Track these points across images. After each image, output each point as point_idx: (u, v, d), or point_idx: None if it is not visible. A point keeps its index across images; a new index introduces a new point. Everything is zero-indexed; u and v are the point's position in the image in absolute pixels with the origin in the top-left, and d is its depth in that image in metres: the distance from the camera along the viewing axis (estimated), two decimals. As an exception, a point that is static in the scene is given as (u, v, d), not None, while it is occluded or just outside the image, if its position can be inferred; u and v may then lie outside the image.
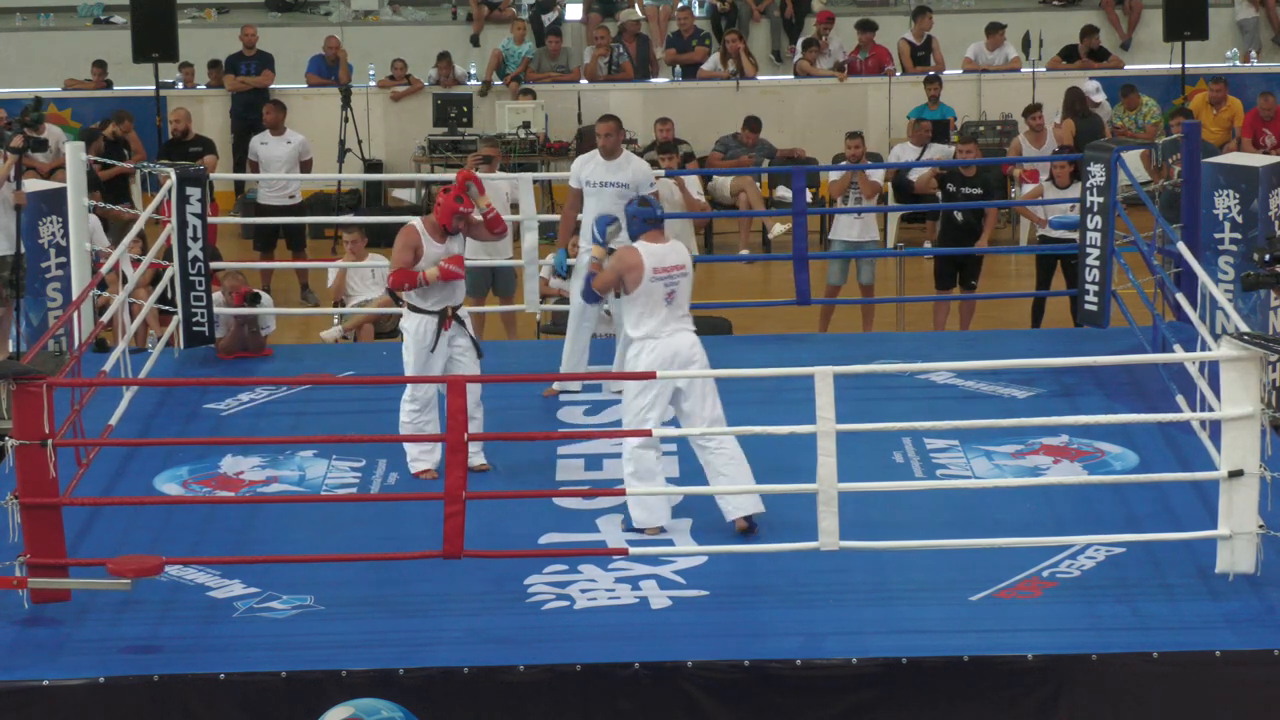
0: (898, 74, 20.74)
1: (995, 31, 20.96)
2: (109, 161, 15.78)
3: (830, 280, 14.92)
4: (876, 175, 15.74)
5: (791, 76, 21.23)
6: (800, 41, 21.34)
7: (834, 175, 15.57)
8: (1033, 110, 17.78)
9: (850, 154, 15.42)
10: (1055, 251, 14.00)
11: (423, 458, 10.01)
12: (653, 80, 21.18)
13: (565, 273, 11.09)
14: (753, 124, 19.51)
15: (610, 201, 10.78)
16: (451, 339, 9.98)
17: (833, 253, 14.83)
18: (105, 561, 8.34)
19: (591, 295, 9.81)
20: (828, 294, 14.84)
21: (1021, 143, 18.07)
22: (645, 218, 9.56)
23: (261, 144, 17.15)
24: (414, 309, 9.97)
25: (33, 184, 12.41)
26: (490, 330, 14.61)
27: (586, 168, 11.02)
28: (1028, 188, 17.04)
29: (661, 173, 13.62)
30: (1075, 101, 19.04)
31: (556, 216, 17.44)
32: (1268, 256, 9.13)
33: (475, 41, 21.67)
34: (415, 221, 10.05)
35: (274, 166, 16.80)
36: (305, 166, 16.98)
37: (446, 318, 9.96)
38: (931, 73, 20.14)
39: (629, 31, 21.32)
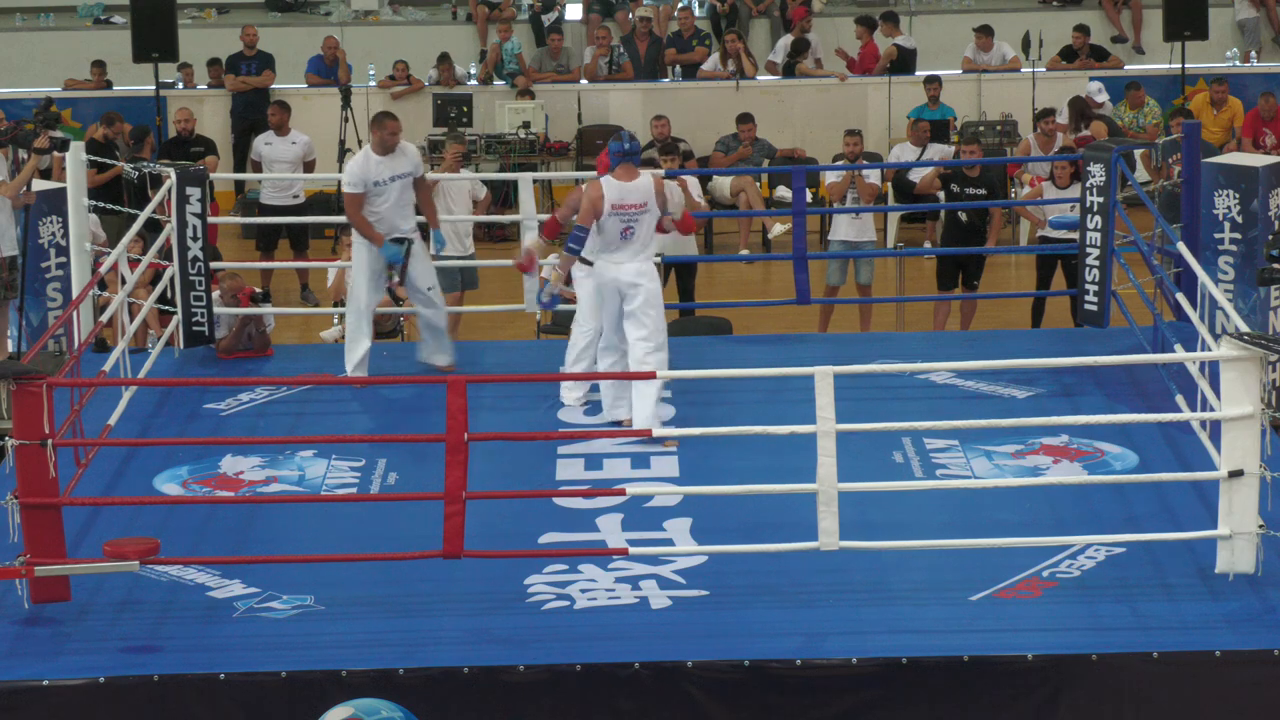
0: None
1: (984, 34, 20.99)
2: (106, 161, 15.77)
3: (829, 280, 14.96)
4: (874, 178, 15.75)
5: (784, 77, 21.25)
6: (790, 43, 21.35)
7: (831, 176, 15.56)
8: (1045, 115, 17.75)
9: (849, 151, 15.46)
10: (1056, 251, 14.01)
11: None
12: (652, 80, 21.20)
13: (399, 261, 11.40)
14: (746, 119, 19.49)
15: None
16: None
17: (831, 253, 14.84)
18: (103, 546, 8.36)
19: (569, 237, 10.54)
20: (826, 294, 14.87)
21: (1031, 145, 18.03)
22: (615, 151, 10.47)
23: (265, 144, 17.14)
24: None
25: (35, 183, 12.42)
26: (483, 329, 14.65)
27: None
28: (1029, 189, 17.03)
29: (661, 172, 13.64)
30: (1085, 108, 19.04)
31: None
32: (1274, 252, 9.14)
33: (483, 56, 21.68)
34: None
35: (278, 167, 16.80)
36: (309, 167, 16.99)
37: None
38: (931, 73, 20.15)
39: (640, 31, 21.33)
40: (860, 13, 21.99)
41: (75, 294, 11.60)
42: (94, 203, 12.35)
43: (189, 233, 11.92)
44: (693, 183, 15.92)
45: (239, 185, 20.06)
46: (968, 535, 8.77)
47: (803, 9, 21.63)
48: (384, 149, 11.36)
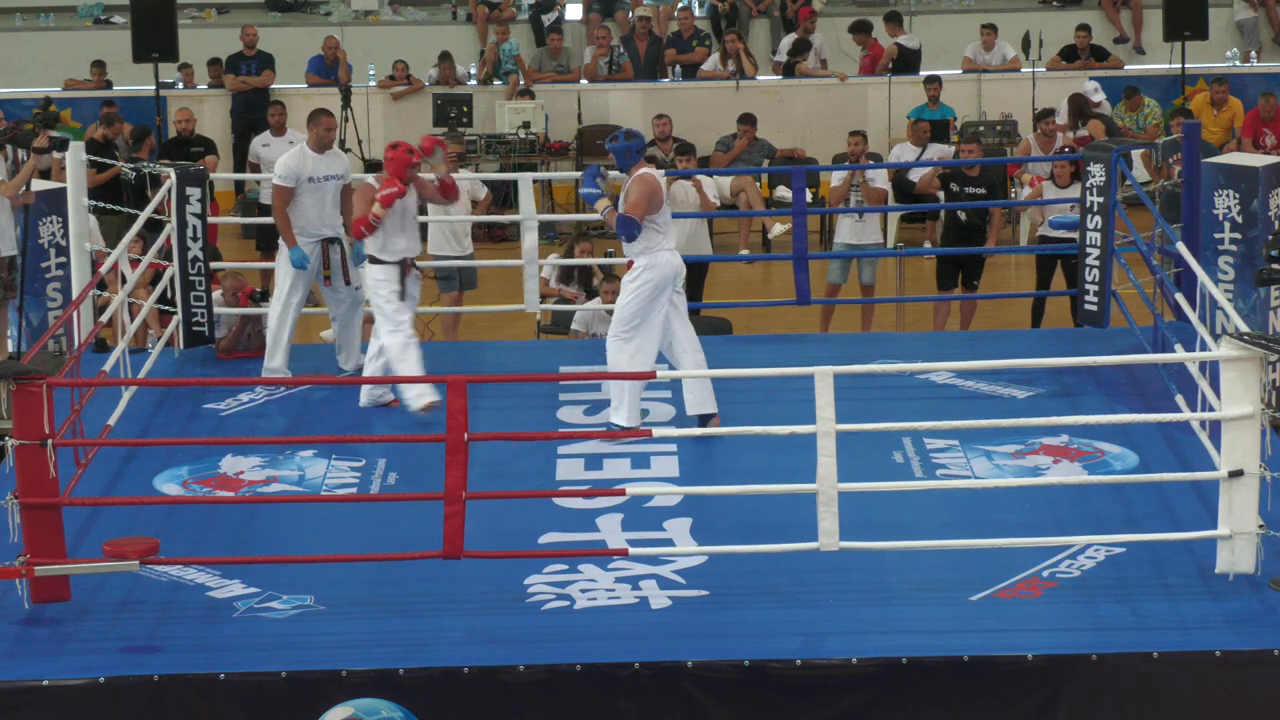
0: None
1: (989, 30, 21.02)
2: (105, 161, 15.77)
3: (830, 279, 14.95)
4: (880, 181, 15.73)
5: (782, 76, 21.25)
6: (792, 43, 21.35)
7: (835, 180, 15.56)
8: (1045, 115, 17.75)
9: (852, 151, 15.47)
10: (1056, 251, 14.01)
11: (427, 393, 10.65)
12: (652, 80, 21.20)
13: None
14: (747, 119, 19.50)
15: None
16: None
17: (834, 253, 14.84)
18: (103, 546, 8.36)
19: (634, 226, 10.27)
20: (828, 293, 14.86)
21: (1031, 145, 18.02)
22: (636, 149, 10.39)
23: (264, 145, 17.13)
24: (376, 261, 10.83)
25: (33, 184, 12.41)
26: (483, 329, 14.63)
27: None
28: (1029, 189, 17.02)
29: (662, 174, 13.65)
30: (1083, 106, 19.04)
31: (556, 216, 17.65)
32: (1273, 252, 9.14)
33: (483, 55, 21.68)
34: (369, 178, 10.86)
35: (277, 168, 16.78)
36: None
37: (407, 266, 10.86)
38: (931, 73, 20.16)
39: (640, 31, 21.33)
40: (860, 14, 21.98)
41: (75, 294, 11.60)
42: (94, 203, 12.35)
43: (189, 233, 11.92)
44: (708, 182, 15.96)
45: (239, 185, 20.05)
46: (968, 535, 8.77)
47: (807, 9, 21.63)
48: (321, 146, 11.40)
